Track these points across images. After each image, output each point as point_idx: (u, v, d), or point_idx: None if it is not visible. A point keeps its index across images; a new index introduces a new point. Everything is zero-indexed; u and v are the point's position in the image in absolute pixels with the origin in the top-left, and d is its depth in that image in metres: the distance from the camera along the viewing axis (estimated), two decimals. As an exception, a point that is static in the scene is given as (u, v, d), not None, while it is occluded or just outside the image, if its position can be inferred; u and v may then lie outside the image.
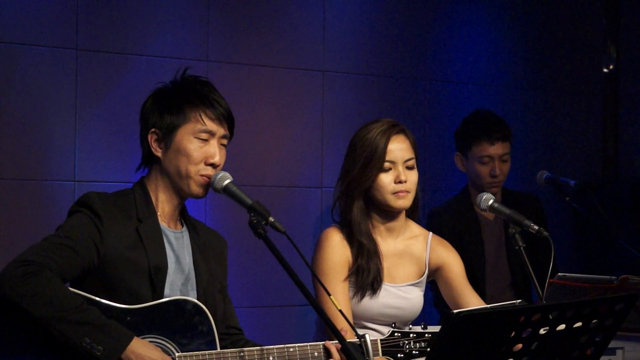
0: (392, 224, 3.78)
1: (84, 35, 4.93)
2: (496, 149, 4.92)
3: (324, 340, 3.23)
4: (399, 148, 3.70)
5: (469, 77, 6.17)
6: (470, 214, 4.86)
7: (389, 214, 3.77)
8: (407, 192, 3.70)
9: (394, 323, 3.36)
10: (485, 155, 4.92)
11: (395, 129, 3.72)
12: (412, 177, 3.71)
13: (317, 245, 3.75)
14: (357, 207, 3.71)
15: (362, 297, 3.70)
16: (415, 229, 3.86)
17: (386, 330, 3.51)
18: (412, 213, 3.83)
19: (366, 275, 3.69)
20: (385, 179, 3.68)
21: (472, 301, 3.79)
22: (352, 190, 3.71)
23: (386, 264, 3.75)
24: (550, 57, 6.40)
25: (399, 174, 3.68)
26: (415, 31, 6.01)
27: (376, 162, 3.67)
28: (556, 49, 6.40)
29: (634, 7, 6.26)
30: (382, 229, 3.78)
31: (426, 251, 3.83)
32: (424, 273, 3.82)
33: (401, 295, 3.77)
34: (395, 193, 3.69)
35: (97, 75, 4.96)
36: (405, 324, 3.74)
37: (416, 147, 3.76)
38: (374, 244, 3.72)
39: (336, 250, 3.70)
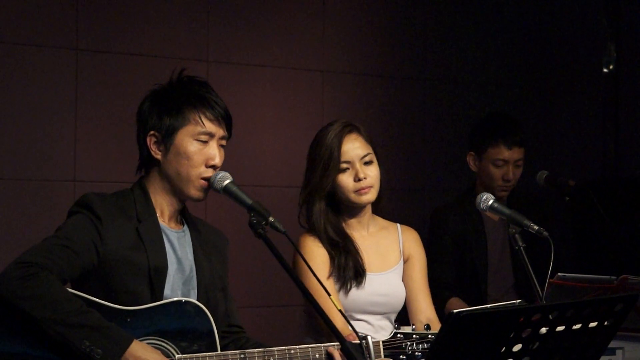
0: (360, 218, 3.84)
1: (84, 35, 4.93)
2: (512, 154, 4.86)
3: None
4: (352, 147, 3.77)
5: (469, 77, 6.17)
6: (474, 213, 4.82)
7: (355, 209, 3.83)
8: (370, 187, 3.77)
9: (396, 324, 3.36)
10: (500, 158, 4.85)
11: (347, 129, 3.79)
12: (372, 171, 3.78)
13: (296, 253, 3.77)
14: (317, 209, 3.77)
15: (349, 289, 3.73)
16: (382, 222, 3.93)
17: (376, 320, 3.51)
18: (376, 207, 3.88)
19: (348, 269, 3.74)
20: (346, 180, 3.76)
21: (422, 307, 3.82)
22: (313, 194, 3.78)
23: (365, 256, 3.80)
24: (550, 57, 6.40)
25: (357, 172, 3.75)
26: (415, 31, 6.01)
27: (334, 165, 3.75)
28: (556, 49, 6.40)
29: (634, 7, 6.26)
30: (353, 223, 3.84)
31: (399, 240, 3.90)
32: (400, 259, 3.87)
33: (386, 282, 3.81)
34: (357, 191, 3.76)
35: (97, 75, 4.97)
36: (395, 312, 3.81)
37: (372, 142, 3.82)
38: (348, 238, 3.79)
39: (315, 254, 3.73)
